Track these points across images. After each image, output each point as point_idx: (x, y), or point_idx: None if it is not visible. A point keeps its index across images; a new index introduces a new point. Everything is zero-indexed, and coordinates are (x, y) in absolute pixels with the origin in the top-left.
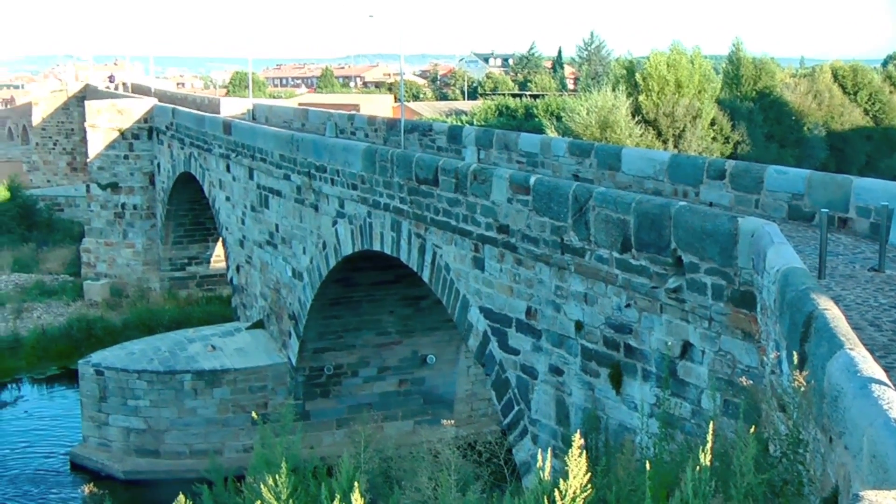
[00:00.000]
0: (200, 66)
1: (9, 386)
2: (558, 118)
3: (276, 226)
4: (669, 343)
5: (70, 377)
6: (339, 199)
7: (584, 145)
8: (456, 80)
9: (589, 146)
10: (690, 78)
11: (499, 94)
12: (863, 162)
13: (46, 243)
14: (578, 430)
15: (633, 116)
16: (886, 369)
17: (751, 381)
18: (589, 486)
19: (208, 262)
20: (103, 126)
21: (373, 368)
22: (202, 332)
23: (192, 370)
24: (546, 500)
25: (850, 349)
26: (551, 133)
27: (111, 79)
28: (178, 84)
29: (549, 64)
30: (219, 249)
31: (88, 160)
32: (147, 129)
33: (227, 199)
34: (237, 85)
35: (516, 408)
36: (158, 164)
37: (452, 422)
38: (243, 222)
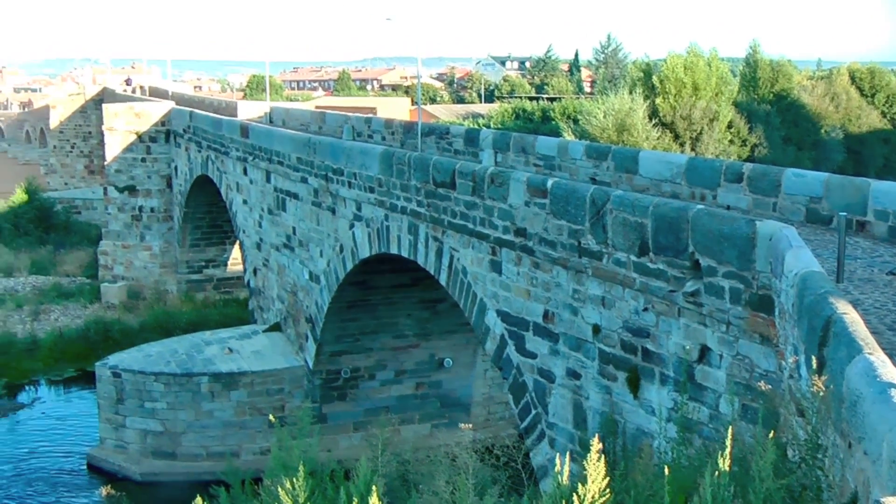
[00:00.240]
0: (218, 70)
1: (26, 387)
2: (575, 121)
3: (294, 229)
4: (687, 347)
5: (87, 379)
6: (356, 202)
7: (601, 148)
8: (473, 83)
9: (606, 149)
10: (708, 80)
11: (516, 97)
12: (880, 164)
13: (64, 246)
14: (597, 435)
15: (650, 119)
16: None
17: (769, 386)
18: (607, 490)
19: (225, 264)
20: (121, 129)
21: (390, 372)
22: (219, 335)
23: (209, 373)
24: None
25: (869, 353)
26: (568, 136)
27: (128, 82)
28: (195, 87)
29: (566, 67)
30: (236, 252)
31: (106, 163)
32: (164, 133)
33: (245, 201)
34: (254, 88)
35: (533, 411)
36: (176, 167)
37: (470, 426)
38: (260, 225)
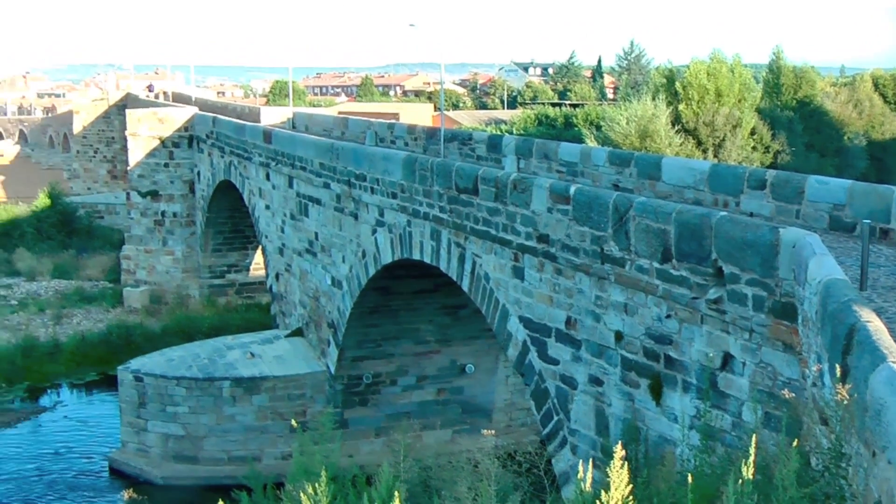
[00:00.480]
0: (241, 76)
1: (48, 391)
2: (598, 127)
3: (316, 234)
4: (710, 354)
5: (109, 383)
6: (378, 207)
7: (623, 155)
8: (495, 89)
9: (629, 155)
10: (730, 87)
11: (538, 104)
12: None
13: (86, 250)
14: (620, 442)
15: (673, 125)
16: None
17: (792, 394)
18: (630, 497)
19: (247, 269)
20: (144, 134)
21: (411, 377)
22: (241, 340)
23: (230, 377)
24: None
25: (894, 362)
26: (591, 142)
27: (150, 88)
28: (218, 93)
29: (588, 73)
30: (258, 257)
31: (129, 168)
32: (187, 138)
33: (267, 207)
34: (277, 94)
35: (555, 418)
36: (198, 173)
37: (493, 432)
38: (283, 230)
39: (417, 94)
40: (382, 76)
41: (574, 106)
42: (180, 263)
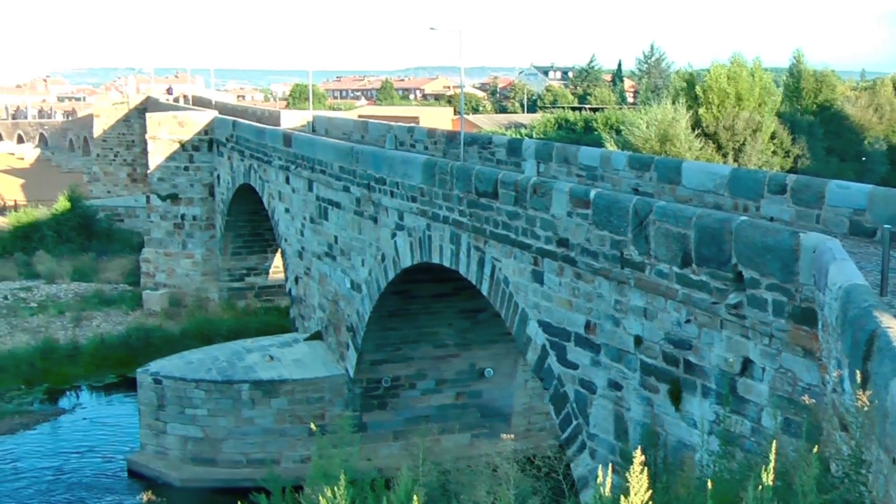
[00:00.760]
0: (261, 79)
1: (67, 393)
2: (618, 131)
3: (336, 237)
4: (730, 359)
5: (128, 385)
6: (398, 211)
7: (643, 159)
8: (515, 93)
9: (649, 160)
10: (751, 91)
11: (558, 108)
12: None
13: (106, 253)
14: (639, 447)
15: (693, 130)
16: None
17: (813, 400)
18: (650, 503)
19: (267, 273)
20: (164, 138)
21: (430, 381)
22: (260, 343)
23: (249, 380)
24: None
25: None
26: (610, 146)
27: (169, 91)
28: (238, 97)
29: (608, 77)
30: (277, 260)
31: (149, 171)
32: (207, 141)
33: (287, 210)
34: (297, 97)
35: (574, 422)
36: (218, 176)
37: (512, 436)
38: (302, 234)
39: (437, 97)
40: (402, 80)
41: (594, 110)
42: (200, 266)
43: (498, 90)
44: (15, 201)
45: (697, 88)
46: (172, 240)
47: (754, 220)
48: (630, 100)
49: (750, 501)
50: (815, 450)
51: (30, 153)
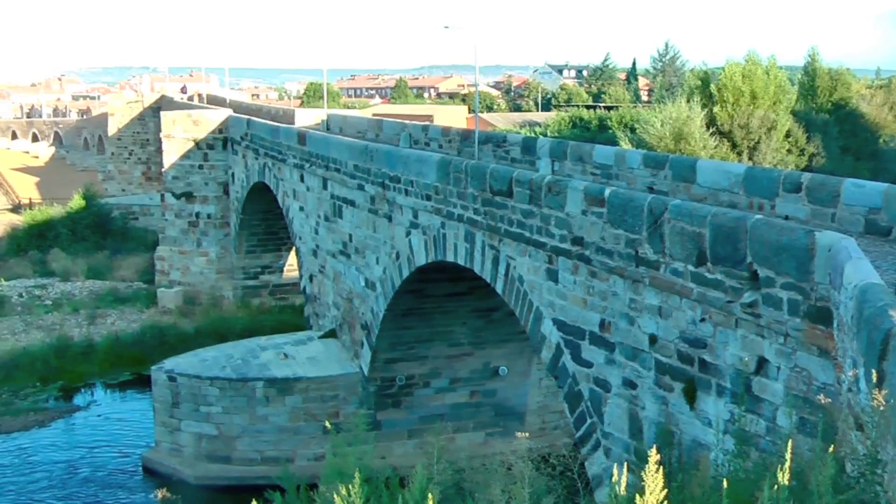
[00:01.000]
0: (275, 78)
1: (82, 390)
2: (632, 130)
3: (350, 236)
4: (745, 358)
5: (142, 383)
6: (412, 209)
7: (658, 157)
8: (530, 92)
9: (664, 158)
10: (766, 89)
11: (573, 106)
12: None
13: (120, 251)
14: (655, 446)
15: (708, 128)
16: None
17: (828, 399)
18: (665, 502)
19: (281, 271)
20: (178, 136)
21: (444, 379)
22: (274, 341)
23: (264, 378)
24: None
25: None
26: (625, 145)
27: (183, 90)
28: (252, 95)
29: (623, 75)
30: (292, 259)
31: (163, 170)
32: (222, 140)
33: (301, 208)
34: (311, 96)
35: (589, 421)
36: (233, 174)
37: (527, 434)
38: (317, 232)
39: (452, 96)
40: (417, 78)
41: (608, 108)
42: (214, 264)
43: (512, 88)
44: (30, 199)
45: (712, 87)
46: (187, 238)
47: (769, 219)
48: (644, 98)
49: (765, 501)
50: (830, 449)
51: (45, 152)
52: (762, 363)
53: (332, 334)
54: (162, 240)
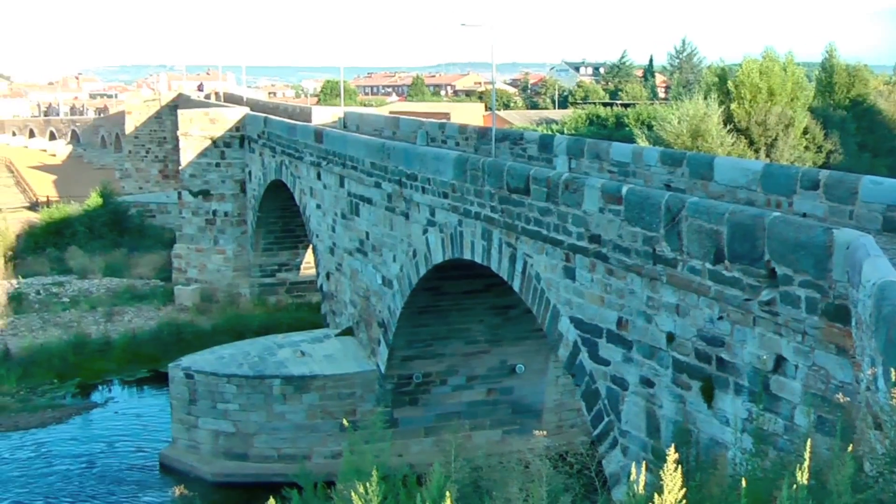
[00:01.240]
0: (292, 76)
1: (99, 387)
2: (649, 127)
3: (367, 233)
4: (763, 357)
5: (159, 380)
6: (429, 207)
7: (676, 154)
8: (546, 89)
9: (681, 155)
10: (783, 86)
11: (589, 103)
12: None
13: (137, 249)
14: (673, 445)
15: (725, 125)
16: None
17: (846, 398)
18: (683, 501)
19: (298, 268)
20: (195, 134)
21: (461, 377)
22: (291, 338)
23: (281, 375)
24: None
25: None
26: (642, 142)
27: (200, 87)
28: (269, 94)
29: (640, 72)
30: (308, 256)
31: (180, 168)
32: (239, 138)
33: (318, 206)
34: (328, 93)
35: (606, 419)
36: (250, 172)
37: (545, 433)
38: (334, 230)
39: (468, 93)
40: (433, 76)
41: (625, 105)
42: (231, 262)
43: (529, 86)
44: (47, 197)
45: (729, 83)
46: (204, 235)
47: (787, 217)
48: (661, 95)
49: (784, 500)
50: (849, 448)
51: (62, 150)
52: (780, 361)
53: (349, 332)
54: (179, 237)
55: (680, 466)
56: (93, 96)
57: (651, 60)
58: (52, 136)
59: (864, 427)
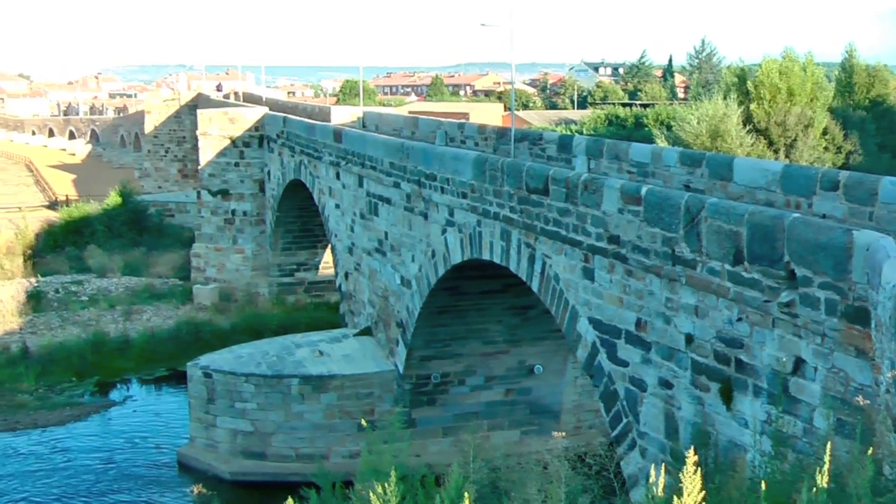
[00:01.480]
0: (311, 75)
1: (118, 386)
2: (668, 127)
3: (386, 233)
4: (782, 359)
5: (178, 379)
6: (448, 207)
7: (695, 155)
8: (566, 89)
9: (700, 156)
10: (802, 86)
11: (609, 104)
12: None
13: (156, 248)
14: (692, 447)
15: (744, 125)
16: None
17: (866, 401)
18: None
19: (316, 268)
20: (215, 134)
21: (479, 377)
22: (310, 338)
23: (299, 375)
24: None
25: None
26: (661, 143)
27: (219, 88)
28: (288, 93)
29: (659, 72)
30: (327, 256)
31: (199, 167)
32: (258, 138)
33: (337, 206)
34: (347, 93)
35: (624, 420)
36: (268, 172)
37: (563, 433)
38: (352, 229)
39: (487, 93)
40: (452, 76)
41: (644, 106)
42: (250, 261)
43: (548, 86)
44: (66, 196)
45: (749, 83)
46: (223, 235)
47: (807, 218)
48: (681, 95)
49: None
50: (868, 452)
51: (81, 149)
52: (799, 363)
53: (367, 332)
54: (198, 237)
55: (699, 469)
56: (112, 96)
57: (670, 60)
58: (72, 136)
59: (884, 430)
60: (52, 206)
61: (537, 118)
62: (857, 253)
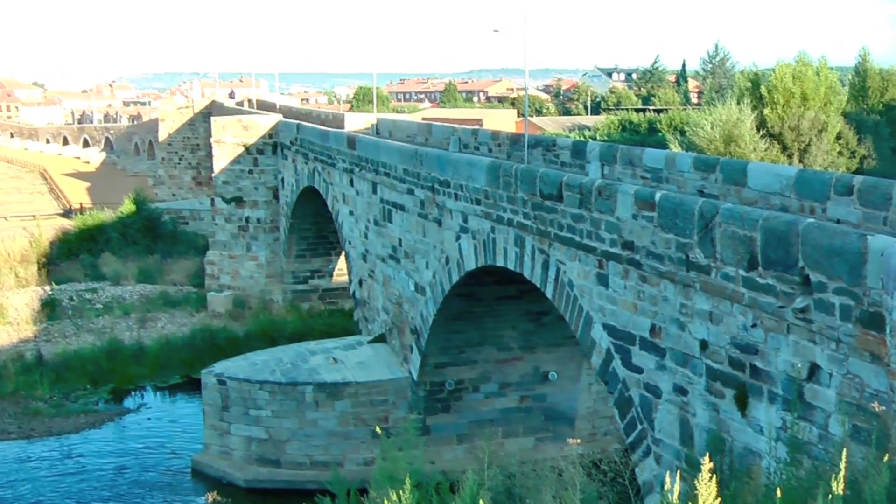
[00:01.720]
0: (325, 82)
1: (132, 393)
2: (682, 133)
3: (400, 240)
4: (797, 365)
5: (192, 386)
6: (462, 213)
7: (709, 160)
8: (579, 95)
9: (714, 161)
10: (816, 90)
11: (622, 109)
12: None
13: (171, 255)
14: (707, 453)
15: (758, 130)
16: None
17: (882, 407)
18: None
19: (331, 275)
20: (228, 141)
21: (494, 384)
22: (324, 345)
23: (313, 382)
24: None
25: None
26: (675, 148)
27: (231, 95)
28: (302, 100)
29: (672, 78)
30: (341, 263)
31: (213, 174)
32: (272, 145)
33: (351, 213)
34: (361, 100)
35: (639, 427)
36: (282, 179)
37: (578, 440)
38: (366, 236)
39: (501, 99)
40: (466, 82)
41: (658, 111)
42: (264, 269)
43: (562, 92)
44: (81, 204)
45: (762, 88)
46: (237, 242)
47: (822, 223)
48: (694, 101)
49: None
50: (884, 458)
51: (95, 157)
52: (814, 369)
53: (381, 339)
54: (212, 244)
55: (714, 475)
56: (126, 104)
57: (684, 65)
58: (86, 144)
59: None
60: (67, 213)
61: (551, 124)
62: (871, 258)
